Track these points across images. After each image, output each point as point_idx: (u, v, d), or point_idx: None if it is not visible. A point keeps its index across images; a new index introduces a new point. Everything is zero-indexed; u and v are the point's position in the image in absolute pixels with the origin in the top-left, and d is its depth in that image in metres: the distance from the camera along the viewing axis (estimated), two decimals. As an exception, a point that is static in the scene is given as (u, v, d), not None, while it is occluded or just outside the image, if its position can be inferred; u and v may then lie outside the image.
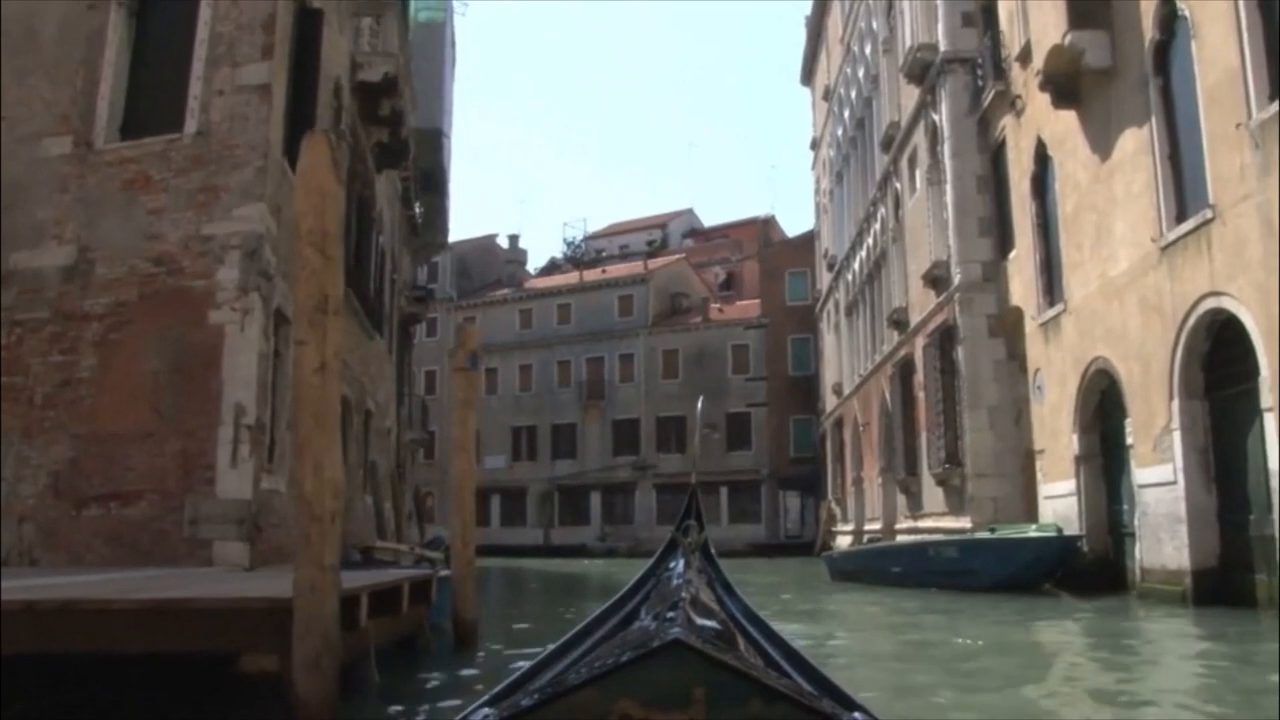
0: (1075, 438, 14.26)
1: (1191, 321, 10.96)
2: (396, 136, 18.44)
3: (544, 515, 46.72)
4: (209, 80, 10.50)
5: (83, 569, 8.78)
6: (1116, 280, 12.75)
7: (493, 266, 54.62)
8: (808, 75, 41.70)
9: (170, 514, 9.62)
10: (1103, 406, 13.97)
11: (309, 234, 4.45)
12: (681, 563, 3.61)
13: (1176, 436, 11.21)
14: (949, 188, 18.97)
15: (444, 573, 7.87)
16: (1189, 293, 10.96)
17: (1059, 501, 14.86)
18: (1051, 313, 15.17)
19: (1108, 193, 12.98)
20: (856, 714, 2.20)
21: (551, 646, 3.11)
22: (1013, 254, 17.21)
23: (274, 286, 10.65)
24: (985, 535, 14.68)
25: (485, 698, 2.47)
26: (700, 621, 2.25)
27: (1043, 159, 15.57)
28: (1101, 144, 13.13)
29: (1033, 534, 14.08)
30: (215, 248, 10.09)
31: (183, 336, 9.97)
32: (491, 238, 56.20)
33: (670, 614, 2.32)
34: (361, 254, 17.07)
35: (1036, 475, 16.11)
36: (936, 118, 19.97)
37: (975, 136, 18.63)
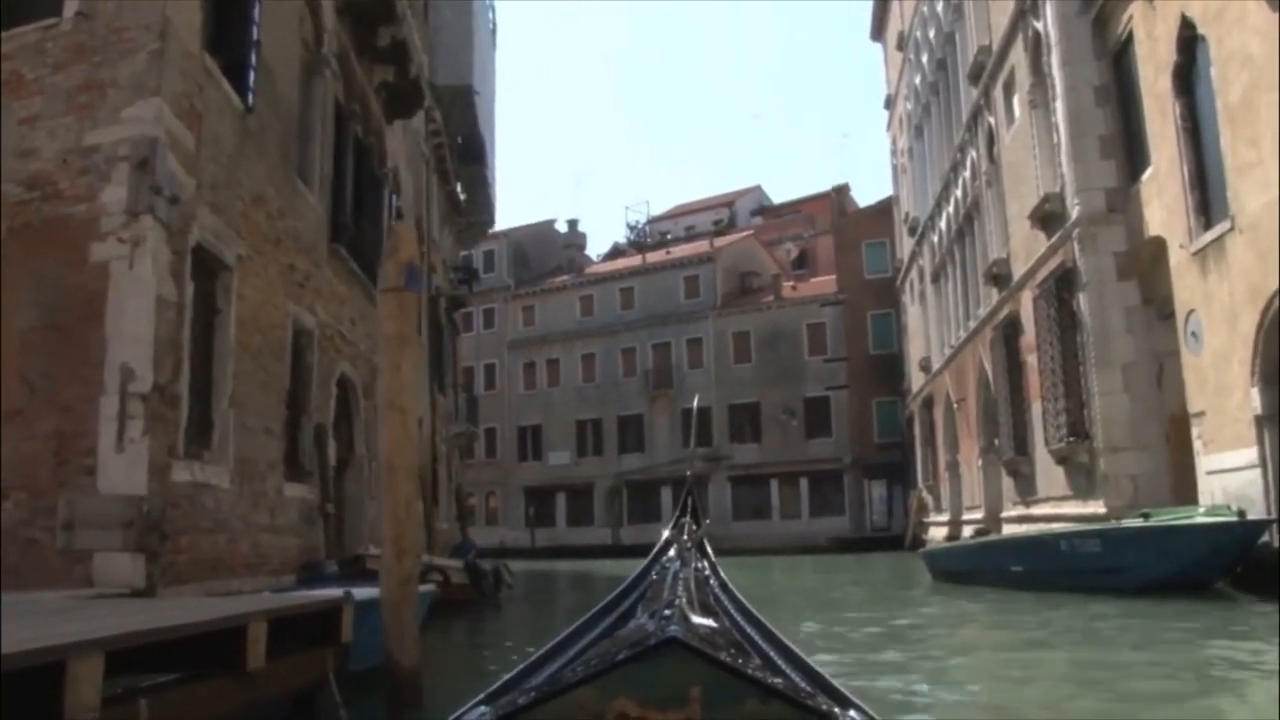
0: (1255, 392, 10.98)
1: None
2: (404, 75, 15.86)
3: (612, 513, 43.98)
4: (93, -55, 8.00)
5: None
6: (1318, 175, 9.53)
7: (551, 253, 52.11)
8: (878, 28, 38.36)
9: (42, 517, 7.14)
10: (1292, 349, 10.71)
11: None
12: (678, 561, 3.61)
13: None
14: (1059, 105, 15.74)
15: (362, 595, 5.11)
16: None
17: (1230, 477, 11.60)
18: (1210, 235, 11.90)
19: (1299, 59, 9.76)
20: (852, 712, 2.14)
21: (548, 644, 3.02)
22: (1147, 173, 13.92)
23: (190, 216, 8.08)
24: (1137, 523, 11.48)
25: (481, 695, 2.41)
26: (696, 620, 2.23)
27: (1189, 44, 12.31)
28: (1287, -3, 9.90)
29: (1202, 519, 10.87)
30: (100, 161, 7.58)
31: (60, 281, 7.47)
32: (549, 223, 53.73)
33: (667, 612, 2.28)
34: (364, 208, 14.52)
35: (1193, 445, 12.84)
36: (1039, 25, 16.73)
37: (1090, 40, 15.42)
